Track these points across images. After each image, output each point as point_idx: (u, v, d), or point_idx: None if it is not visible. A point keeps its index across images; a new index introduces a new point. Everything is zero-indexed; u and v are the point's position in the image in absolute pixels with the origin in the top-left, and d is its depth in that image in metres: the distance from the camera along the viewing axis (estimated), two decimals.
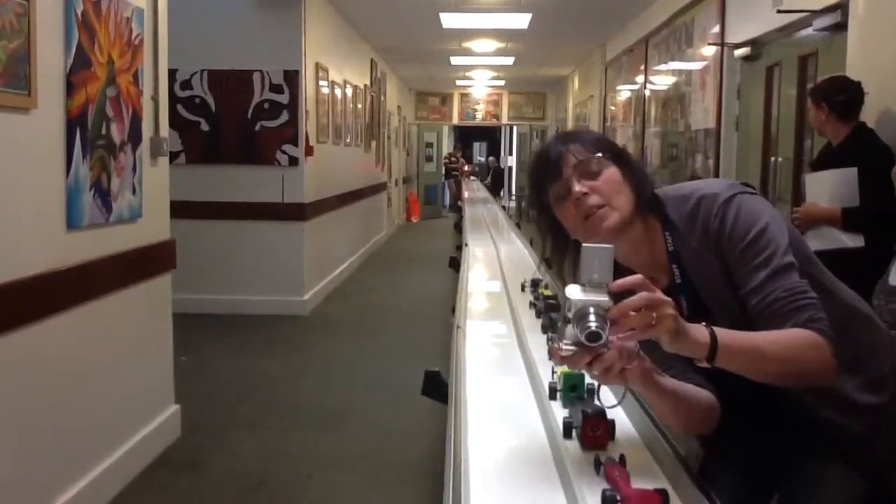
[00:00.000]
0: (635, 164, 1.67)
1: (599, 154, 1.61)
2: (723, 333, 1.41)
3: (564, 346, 1.31)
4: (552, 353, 1.37)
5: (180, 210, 4.53)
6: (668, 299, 1.34)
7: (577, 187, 1.58)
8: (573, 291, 1.31)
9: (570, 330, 1.30)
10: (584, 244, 1.39)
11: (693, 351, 1.39)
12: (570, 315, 1.30)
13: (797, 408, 1.60)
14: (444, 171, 20.44)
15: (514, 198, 20.95)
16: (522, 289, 4.16)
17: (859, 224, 3.34)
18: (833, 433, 1.60)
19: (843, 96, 3.53)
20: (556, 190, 1.61)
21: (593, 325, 1.28)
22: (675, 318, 1.34)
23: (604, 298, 1.30)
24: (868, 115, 3.53)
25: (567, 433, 1.87)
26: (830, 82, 3.70)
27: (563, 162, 1.60)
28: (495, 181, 22.28)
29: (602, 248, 1.33)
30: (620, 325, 1.31)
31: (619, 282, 1.32)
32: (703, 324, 1.41)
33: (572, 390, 2.09)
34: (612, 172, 1.60)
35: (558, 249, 1.69)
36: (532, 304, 3.70)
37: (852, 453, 1.60)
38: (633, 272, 1.45)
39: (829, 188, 3.44)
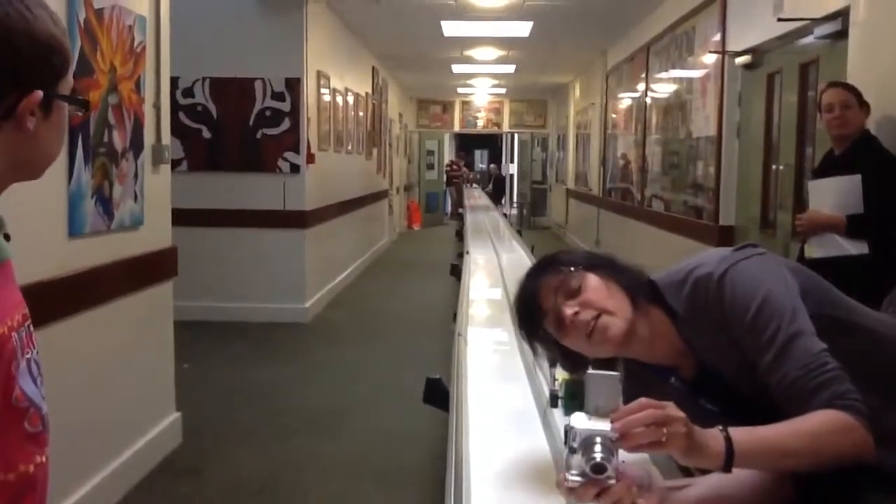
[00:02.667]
0: (616, 263, 1.61)
1: (571, 268, 1.55)
2: (741, 437, 1.32)
3: (570, 478, 1.25)
4: (558, 484, 1.29)
5: (182, 217, 4.54)
6: (680, 416, 1.27)
7: (568, 310, 1.51)
8: (578, 420, 1.25)
9: (575, 460, 1.24)
10: (588, 372, 1.32)
11: (709, 463, 1.31)
12: (575, 445, 1.24)
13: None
14: (445, 179, 20.45)
15: (515, 205, 20.96)
16: None
17: (864, 231, 3.34)
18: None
19: None
20: (550, 323, 1.54)
21: (598, 456, 1.22)
22: (686, 435, 1.27)
23: (610, 427, 1.24)
24: (869, 122, 3.52)
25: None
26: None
27: (542, 295, 1.55)
28: (496, 189, 22.30)
29: (608, 376, 1.29)
30: (627, 440, 1.24)
31: (622, 410, 1.26)
32: (719, 428, 1.32)
33: (573, 398, 2.09)
34: (592, 280, 1.54)
35: (582, 366, 1.57)
36: None
37: None
38: (672, 368, 1.48)
39: (832, 195, 3.43)
